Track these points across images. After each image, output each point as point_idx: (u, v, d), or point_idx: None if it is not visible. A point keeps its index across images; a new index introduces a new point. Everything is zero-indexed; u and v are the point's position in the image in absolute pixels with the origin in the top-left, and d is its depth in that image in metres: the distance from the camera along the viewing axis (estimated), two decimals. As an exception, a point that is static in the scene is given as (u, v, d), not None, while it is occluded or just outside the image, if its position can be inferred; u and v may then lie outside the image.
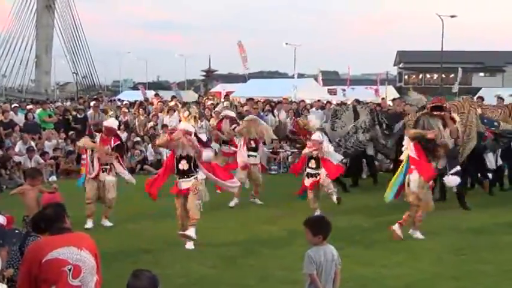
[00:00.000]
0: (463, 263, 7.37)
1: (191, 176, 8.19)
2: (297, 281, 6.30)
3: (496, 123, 11.58)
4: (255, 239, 8.54)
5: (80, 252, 4.04)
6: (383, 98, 18.68)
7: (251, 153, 11.10)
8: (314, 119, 12.10)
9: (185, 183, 8.19)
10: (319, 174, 9.74)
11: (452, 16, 48.49)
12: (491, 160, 12.10)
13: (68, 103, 23.89)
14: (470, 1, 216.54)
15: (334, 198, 9.88)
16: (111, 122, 9.95)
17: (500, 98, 14.90)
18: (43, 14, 64.38)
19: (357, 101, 13.91)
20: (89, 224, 9.23)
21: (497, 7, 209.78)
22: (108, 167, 9.54)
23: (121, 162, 9.84)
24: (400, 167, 8.90)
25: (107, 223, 9.47)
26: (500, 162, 12.39)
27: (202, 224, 9.31)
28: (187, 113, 8.68)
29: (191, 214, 8.15)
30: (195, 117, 8.76)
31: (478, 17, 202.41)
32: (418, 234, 8.50)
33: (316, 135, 9.95)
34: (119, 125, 16.70)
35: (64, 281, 3.96)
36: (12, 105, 18.74)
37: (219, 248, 8.02)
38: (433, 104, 8.97)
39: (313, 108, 18.66)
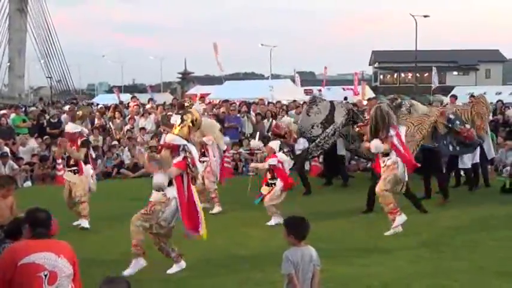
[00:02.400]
0: (439, 260, 7.44)
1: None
2: (275, 282, 6.31)
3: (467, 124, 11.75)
4: (233, 241, 8.51)
5: (57, 258, 4.04)
6: (369, 99, 18.80)
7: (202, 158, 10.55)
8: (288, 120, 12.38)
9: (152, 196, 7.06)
10: (275, 184, 9.67)
11: (425, 16, 49.20)
12: (466, 160, 12.24)
13: (38, 107, 23.51)
14: (443, 1, 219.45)
15: (272, 221, 9.42)
16: (71, 127, 9.66)
17: (473, 97, 15.05)
18: (15, 18, 63.58)
19: (353, 104, 14.05)
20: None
21: (469, 7, 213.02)
22: (76, 168, 9.47)
23: (91, 162, 9.75)
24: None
25: (84, 223, 9.41)
26: (477, 160, 12.54)
27: (179, 227, 9.28)
28: (179, 120, 6.89)
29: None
30: (189, 126, 6.82)
31: (451, 16, 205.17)
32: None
33: (274, 144, 10.02)
34: (93, 129, 16.69)
35: (39, 287, 3.94)
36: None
37: (197, 252, 7.96)
38: None
39: (292, 111, 18.73)
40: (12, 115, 17.41)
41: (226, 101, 20.37)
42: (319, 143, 12.69)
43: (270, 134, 16.08)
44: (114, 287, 3.45)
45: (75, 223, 9.54)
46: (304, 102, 21.66)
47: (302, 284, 4.55)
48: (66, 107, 19.59)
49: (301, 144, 12.70)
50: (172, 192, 6.72)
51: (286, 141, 12.56)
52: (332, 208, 10.76)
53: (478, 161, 12.58)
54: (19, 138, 16.05)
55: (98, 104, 26.07)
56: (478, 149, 12.36)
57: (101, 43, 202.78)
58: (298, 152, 12.73)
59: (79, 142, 9.45)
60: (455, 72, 66.87)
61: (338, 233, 8.91)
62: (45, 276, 3.96)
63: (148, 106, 19.56)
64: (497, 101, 20.63)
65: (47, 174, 14.66)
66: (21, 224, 4.96)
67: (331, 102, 13.31)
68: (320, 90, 32.06)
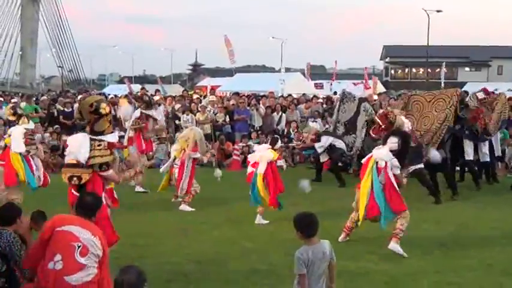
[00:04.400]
0: (447, 257, 7.43)
1: None
2: (281, 276, 6.34)
3: None
4: (240, 234, 8.53)
5: (91, 237, 4.47)
6: (380, 94, 18.70)
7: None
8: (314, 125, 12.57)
9: None
10: None
11: (438, 11, 48.86)
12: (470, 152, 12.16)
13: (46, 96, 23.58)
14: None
15: None
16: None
17: (492, 92, 14.87)
18: (27, 7, 63.73)
19: (364, 99, 13.99)
20: None
21: (482, 2, 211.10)
22: None
23: None
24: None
25: None
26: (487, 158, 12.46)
27: (189, 219, 9.33)
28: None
29: None
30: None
31: (463, 11, 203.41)
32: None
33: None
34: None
35: (71, 255, 4.35)
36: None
37: (204, 243, 8.01)
38: None
39: (302, 105, 18.72)
40: (23, 104, 17.47)
41: (236, 93, 20.37)
42: (353, 154, 13.10)
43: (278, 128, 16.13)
44: (130, 273, 3.64)
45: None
46: (314, 96, 21.69)
47: (315, 280, 4.55)
48: (79, 97, 19.62)
49: (323, 142, 12.77)
50: None
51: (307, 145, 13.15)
52: (340, 203, 10.73)
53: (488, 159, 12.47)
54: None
55: (109, 94, 26.09)
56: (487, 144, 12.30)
57: (112, 34, 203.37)
58: (320, 150, 12.83)
59: None
60: (467, 68, 66.45)
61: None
62: (79, 247, 4.37)
63: (157, 97, 19.56)
64: (509, 98, 20.46)
65: (58, 163, 14.72)
66: (13, 211, 5.18)
67: (358, 107, 13.35)
68: (331, 84, 32.01)
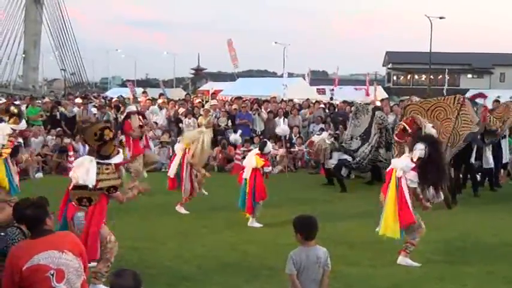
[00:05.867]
0: (449, 263, 7.39)
1: None
2: (283, 281, 6.28)
3: None
4: (241, 238, 8.51)
5: (61, 255, 3.99)
6: (382, 100, 18.65)
7: None
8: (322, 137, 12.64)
9: None
10: None
11: (440, 17, 48.95)
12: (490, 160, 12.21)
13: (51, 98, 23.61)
14: (459, 3, 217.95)
15: None
16: None
17: (497, 101, 14.83)
18: (31, 9, 63.75)
19: (378, 107, 13.96)
20: None
21: (485, 9, 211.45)
22: None
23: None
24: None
25: None
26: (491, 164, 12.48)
27: (189, 223, 9.31)
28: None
29: None
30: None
31: (466, 18, 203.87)
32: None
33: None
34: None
35: (48, 286, 3.92)
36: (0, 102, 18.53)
37: (205, 247, 7.99)
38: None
39: (306, 110, 18.67)
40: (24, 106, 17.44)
41: (239, 97, 20.36)
42: (359, 161, 13.05)
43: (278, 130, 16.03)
44: (126, 278, 3.47)
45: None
46: (317, 101, 21.64)
47: (309, 284, 4.57)
48: (78, 100, 19.65)
49: (335, 159, 12.98)
50: None
51: (317, 158, 13.09)
52: (342, 208, 10.73)
53: (492, 165, 12.48)
54: (32, 130, 16.09)
55: (111, 98, 26.12)
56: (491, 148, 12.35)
57: (115, 38, 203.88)
58: (331, 166, 13.02)
59: None
60: (469, 75, 66.42)
61: (347, 232, 8.88)
62: (52, 275, 3.93)
63: (160, 101, 19.57)
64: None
65: (63, 165, 14.71)
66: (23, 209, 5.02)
67: (372, 114, 13.37)
68: (332, 90, 32.01)
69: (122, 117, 11.97)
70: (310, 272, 4.58)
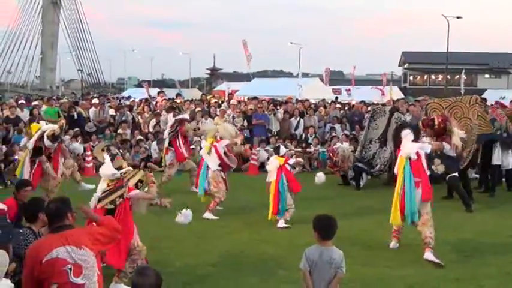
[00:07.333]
0: (466, 264, 7.37)
1: None
2: (298, 281, 6.30)
3: None
4: (257, 238, 8.55)
5: (79, 251, 4.06)
6: (398, 100, 18.56)
7: None
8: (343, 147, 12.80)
9: None
10: None
11: (457, 17, 48.50)
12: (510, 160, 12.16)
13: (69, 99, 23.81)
14: (476, 2, 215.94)
15: None
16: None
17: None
18: (49, 10, 64.31)
19: (395, 108, 13.92)
20: None
21: (503, 9, 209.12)
22: None
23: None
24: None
25: None
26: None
27: (207, 223, 9.36)
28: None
29: None
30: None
31: (483, 18, 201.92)
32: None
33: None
34: (122, 123, 16.95)
35: (65, 280, 4.00)
36: (19, 102, 18.74)
37: (221, 247, 8.03)
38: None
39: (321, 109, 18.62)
40: (44, 107, 17.61)
41: (255, 98, 20.38)
42: (380, 168, 13.22)
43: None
44: (149, 276, 3.54)
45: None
46: (333, 101, 21.61)
47: (319, 284, 4.61)
48: (94, 101, 19.78)
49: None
50: None
51: (343, 168, 13.33)
52: (358, 208, 10.71)
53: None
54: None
55: (129, 97, 26.28)
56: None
57: (131, 38, 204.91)
58: (350, 176, 13.33)
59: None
60: (486, 75, 65.74)
61: (363, 233, 8.88)
62: (70, 269, 4.01)
63: (178, 101, 19.64)
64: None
65: (80, 165, 14.81)
66: (37, 209, 5.13)
67: (390, 115, 13.35)
68: (348, 90, 31.90)
69: (174, 120, 12.12)
70: (322, 271, 4.61)
